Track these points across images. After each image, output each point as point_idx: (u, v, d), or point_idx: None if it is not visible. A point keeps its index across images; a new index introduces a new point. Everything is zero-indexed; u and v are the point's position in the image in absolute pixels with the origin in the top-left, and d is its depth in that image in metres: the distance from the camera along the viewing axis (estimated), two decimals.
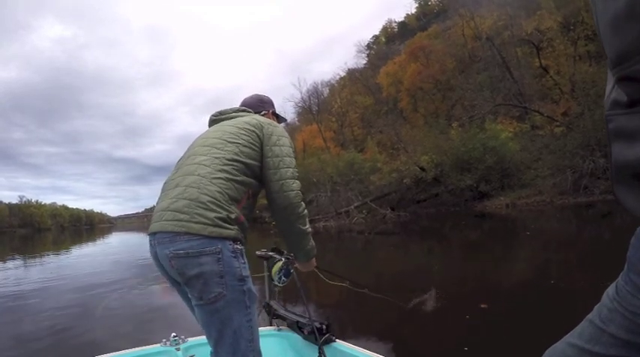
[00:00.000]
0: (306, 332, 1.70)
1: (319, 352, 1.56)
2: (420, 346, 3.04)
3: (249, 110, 1.49)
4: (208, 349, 1.24)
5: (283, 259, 1.58)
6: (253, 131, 1.30)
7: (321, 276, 1.69)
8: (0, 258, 14.53)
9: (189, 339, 1.78)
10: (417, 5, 55.84)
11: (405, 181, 22.56)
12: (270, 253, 1.73)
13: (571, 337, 0.62)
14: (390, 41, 55.78)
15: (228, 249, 1.11)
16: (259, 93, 1.66)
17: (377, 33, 62.12)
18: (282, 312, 1.91)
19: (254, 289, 1.19)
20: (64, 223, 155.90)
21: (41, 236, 49.25)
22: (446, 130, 24.80)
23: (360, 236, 13.80)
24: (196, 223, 1.09)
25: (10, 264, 12.41)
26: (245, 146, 1.26)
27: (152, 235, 1.17)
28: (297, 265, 1.52)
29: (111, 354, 1.63)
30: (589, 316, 0.61)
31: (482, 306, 3.55)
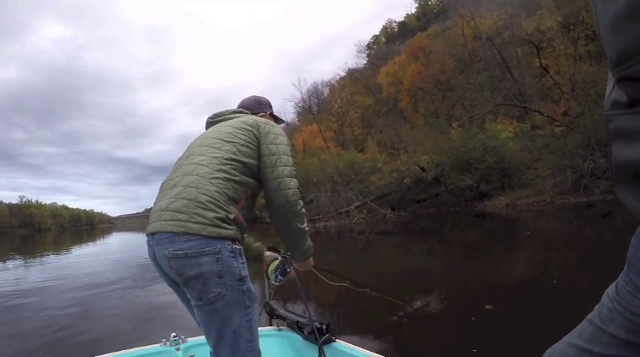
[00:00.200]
0: (306, 332, 1.70)
1: (319, 352, 1.56)
2: (421, 346, 3.04)
3: (246, 112, 1.49)
4: (208, 349, 1.24)
5: (280, 257, 1.58)
6: (250, 130, 1.30)
7: (320, 276, 1.69)
8: (0, 258, 14.53)
9: (189, 339, 1.78)
10: (417, 5, 55.94)
11: (405, 181, 22.57)
12: (267, 253, 1.73)
13: (571, 337, 0.62)
14: (390, 41, 55.80)
15: (227, 249, 1.11)
16: (257, 94, 1.66)
17: (377, 33, 62.30)
18: (282, 312, 1.91)
19: (253, 288, 1.19)
20: (65, 224, 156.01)
21: (41, 236, 49.25)
22: (446, 130, 24.81)
23: (361, 236, 13.80)
24: (195, 223, 1.08)
25: (10, 264, 12.41)
26: (242, 145, 1.26)
27: (150, 235, 1.17)
28: (294, 265, 1.52)
29: (111, 354, 1.63)
30: (589, 316, 0.61)
31: (488, 307, 3.52)
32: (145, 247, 1.23)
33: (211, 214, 1.10)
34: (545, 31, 26.28)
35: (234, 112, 1.47)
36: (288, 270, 1.56)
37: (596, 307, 0.60)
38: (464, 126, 23.49)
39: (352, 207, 21.24)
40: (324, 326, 1.65)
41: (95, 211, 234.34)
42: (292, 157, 1.34)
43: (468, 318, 3.37)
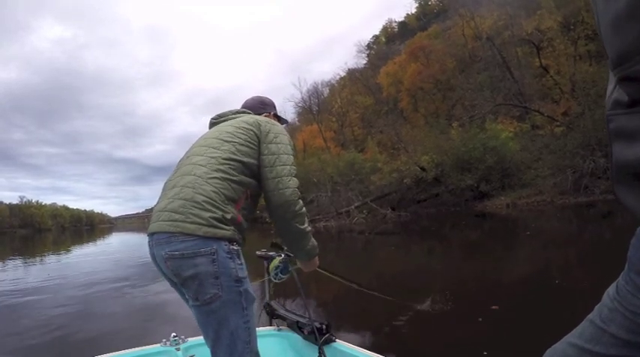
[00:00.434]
0: (306, 332, 1.70)
1: (319, 352, 1.56)
2: (421, 346, 3.03)
3: (249, 112, 1.48)
4: (208, 349, 1.24)
5: (282, 255, 1.57)
6: (250, 129, 1.29)
7: (322, 271, 1.68)
8: (0, 258, 14.54)
9: (189, 339, 1.78)
10: (417, 5, 55.93)
11: (405, 181, 22.57)
12: (270, 253, 1.73)
13: (571, 337, 0.62)
14: (390, 41, 55.81)
15: (223, 250, 1.10)
16: (261, 95, 1.64)
17: (377, 33, 62.28)
18: (282, 312, 1.91)
19: (252, 290, 1.18)
20: (65, 224, 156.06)
21: (42, 237, 49.28)
22: (446, 130, 24.82)
23: (361, 236, 13.80)
24: (191, 223, 1.08)
25: (10, 264, 12.42)
26: (242, 145, 1.24)
27: (150, 235, 1.17)
28: (299, 264, 1.51)
29: (111, 354, 1.63)
30: (589, 316, 0.61)
31: (494, 307, 3.50)
32: (145, 247, 1.23)
33: (207, 214, 1.09)
34: (545, 30, 26.28)
35: (237, 112, 1.46)
36: (290, 268, 1.56)
37: (597, 307, 0.60)
38: (464, 126, 23.50)
39: (352, 207, 21.24)
40: (324, 326, 1.65)
41: (95, 211, 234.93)
42: (294, 156, 1.31)
43: (468, 318, 3.37)
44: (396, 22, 61.94)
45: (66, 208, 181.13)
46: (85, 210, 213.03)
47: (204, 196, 1.11)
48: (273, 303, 1.97)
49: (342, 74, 49.78)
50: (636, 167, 0.44)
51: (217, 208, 1.11)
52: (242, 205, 1.20)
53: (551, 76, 25.61)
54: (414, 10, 56.40)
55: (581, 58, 24.18)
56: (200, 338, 1.72)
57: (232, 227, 1.14)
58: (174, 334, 1.76)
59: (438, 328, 3.28)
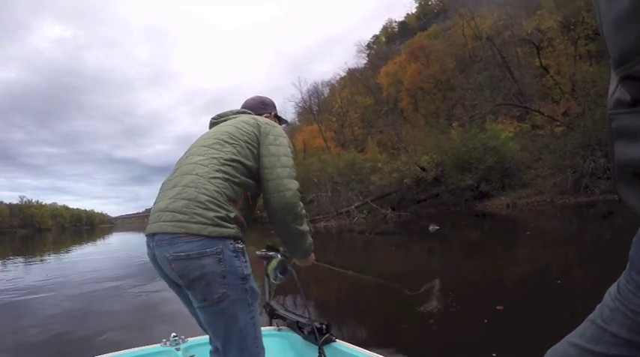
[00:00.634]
0: (306, 332, 1.70)
1: (319, 352, 1.56)
2: (421, 346, 3.03)
3: (250, 112, 1.48)
4: (208, 349, 1.24)
5: (280, 256, 1.56)
6: (251, 131, 1.28)
7: (319, 264, 1.65)
8: (0, 258, 14.54)
9: (189, 339, 1.78)
10: (417, 5, 55.88)
11: (405, 181, 22.58)
12: (270, 253, 1.71)
13: (573, 337, 0.62)
14: (390, 41, 55.77)
15: (229, 248, 1.10)
16: (261, 94, 1.64)
17: (377, 33, 62.20)
18: (282, 312, 1.91)
19: (256, 286, 1.19)
20: (65, 224, 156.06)
21: (42, 237, 49.29)
22: (446, 130, 24.84)
23: (361, 236, 13.80)
24: (195, 223, 1.07)
25: (10, 264, 12.42)
26: (242, 147, 1.24)
27: (150, 236, 1.15)
28: (295, 261, 1.50)
29: (111, 354, 1.63)
30: (591, 315, 0.61)
31: (499, 308, 3.47)
32: (145, 247, 1.22)
33: (212, 214, 1.09)
34: (545, 30, 26.27)
35: (237, 112, 1.46)
36: (289, 268, 1.55)
37: (598, 306, 0.60)
38: (464, 126, 23.50)
39: (352, 207, 21.24)
40: (324, 326, 1.65)
41: (95, 211, 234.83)
42: (293, 158, 1.31)
43: (473, 319, 3.37)
44: (396, 22, 61.98)
45: (66, 208, 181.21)
46: (85, 210, 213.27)
47: (207, 195, 1.11)
48: (273, 303, 1.97)
49: (342, 74, 49.82)
50: (638, 166, 0.45)
51: (221, 207, 1.11)
52: (240, 206, 1.19)
53: (551, 76, 25.61)
54: (414, 10, 56.43)
55: (582, 58, 24.18)
56: (200, 338, 1.73)
57: (236, 225, 1.14)
58: (174, 334, 1.76)
59: (439, 328, 3.27)
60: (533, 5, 27.48)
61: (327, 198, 23.23)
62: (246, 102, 1.59)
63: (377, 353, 1.49)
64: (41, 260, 13.59)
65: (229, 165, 1.19)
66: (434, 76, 34.71)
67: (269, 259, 1.75)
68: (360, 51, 54.78)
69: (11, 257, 15.08)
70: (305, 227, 1.29)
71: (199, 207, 1.09)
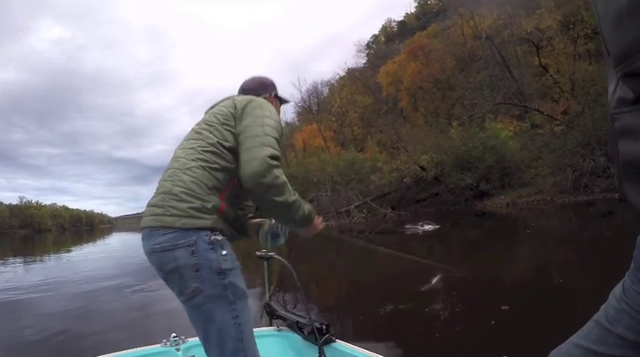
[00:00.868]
0: (306, 332, 1.70)
1: (319, 352, 1.56)
2: (421, 345, 3.03)
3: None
4: None
5: (272, 220, 1.39)
6: (227, 111, 1.21)
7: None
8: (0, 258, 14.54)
9: (190, 339, 1.78)
10: (416, 4, 55.95)
11: (405, 180, 22.59)
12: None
13: (577, 338, 0.62)
14: (389, 40, 55.81)
15: (203, 240, 1.04)
16: (261, 75, 1.53)
17: (376, 32, 62.24)
18: (282, 312, 1.91)
19: (242, 283, 1.11)
20: (65, 224, 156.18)
21: (41, 237, 49.27)
22: (446, 129, 24.87)
23: (361, 235, 13.80)
24: (170, 215, 1.05)
25: (9, 264, 12.41)
26: (219, 130, 1.17)
27: (141, 230, 1.16)
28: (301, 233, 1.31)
29: (111, 354, 1.63)
30: (595, 316, 0.60)
31: (504, 308, 3.43)
32: None
33: (184, 205, 1.05)
34: (544, 29, 26.27)
35: (228, 98, 1.36)
36: (281, 234, 1.41)
37: (603, 307, 0.59)
38: (464, 125, 23.51)
39: (352, 206, 21.24)
40: (324, 326, 1.65)
41: (95, 211, 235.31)
42: (275, 128, 1.16)
43: (475, 318, 3.36)
44: (395, 21, 62.01)
45: (66, 208, 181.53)
46: (85, 210, 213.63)
47: (181, 187, 1.08)
48: (273, 303, 1.97)
49: (342, 74, 49.86)
50: None
51: (195, 197, 1.07)
52: (228, 194, 1.14)
53: (550, 75, 25.61)
54: (413, 10, 56.49)
55: (581, 56, 24.18)
56: None
57: (214, 216, 1.08)
58: (174, 334, 1.76)
59: (442, 328, 3.26)
60: (533, 4, 27.49)
61: (327, 197, 23.23)
62: (244, 83, 1.49)
63: (377, 353, 1.48)
64: (41, 260, 13.58)
65: (208, 151, 1.14)
66: (433, 76, 34.73)
67: (269, 259, 1.74)
68: (359, 50, 54.94)
69: (10, 257, 15.07)
70: (287, 197, 1.09)
71: (173, 199, 1.07)
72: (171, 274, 1.06)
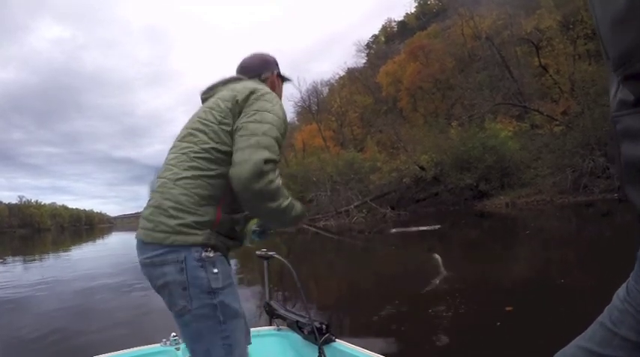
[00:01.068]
0: (306, 332, 1.70)
1: (319, 352, 1.56)
2: (421, 345, 3.03)
3: (243, 77, 1.25)
4: None
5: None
6: (225, 107, 1.09)
7: (307, 227, 1.54)
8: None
9: None
10: (416, 4, 55.95)
11: (404, 180, 22.58)
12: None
13: (581, 341, 0.61)
14: (389, 40, 55.79)
15: (193, 257, 0.99)
16: (262, 51, 1.38)
17: (376, 32, 62.18)
18: (282, 312, 1.91)
19: (235, 302, 1.05)
20: (64, 224, 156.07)
21: (41, 236, 49.24)
22: (445, 129, 24.85)
23: (360, 235, 13.80)
24: (160, 232, 1.01)
25: (9, 264, 12.40)
26: (215, 131, 1.07)
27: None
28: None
29: (111, 354, 1.63)
30: (599, 318, 0.60)
31: (508, 309, 3.40)
32: None
33: (173, 222, 1.00)
34: (544, 30, 26.26)
35: (228, 81, 1.23)
36: (267, 230, 1.39)
37: (607, 308, 0.59)
38: (463, 125, 23.50)
39: (352, 206, 21.23)
40: (324, 326, 1.65)
41: (95, 211, 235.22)
42: (277, 127, 1.06)
43: (476, 320, 3.36)
44: (395, 21, 61.98)
45: (65, 207, 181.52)
46: (85, 210, 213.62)
47: (171, 201, 1.01)
48: (273, 303, 1.97)
49: (342, 74, 49.78)
50: None
51: (186, 212, 1.00)
52: (227, 201, 1.05)
53: (550, 76, 25.59)
54: (413, 10, 56.48)
55: (581, 57, 24.17)
56: None
57: (207, 230, 1.01)
58: (173, 333, 1.76)
59: (444, 328, 3.25)
60: (533, 5, 27.48)
61: (327, 197, 23.21)
62: (243, 61, 1.34)
63: (377, 353, 1.48)
64: (40, 262, 13.56)
65: (202, 157, 1.04)
66: (433, 76, 34.71)
67: (269, 259, 1.74)
68: (359, 50, 54.85)
69: (11, 258, 15.05)
70: (280, 203, 1.03)
71: (162, 215, 1.02)
72: (160, 289, 1.04)
